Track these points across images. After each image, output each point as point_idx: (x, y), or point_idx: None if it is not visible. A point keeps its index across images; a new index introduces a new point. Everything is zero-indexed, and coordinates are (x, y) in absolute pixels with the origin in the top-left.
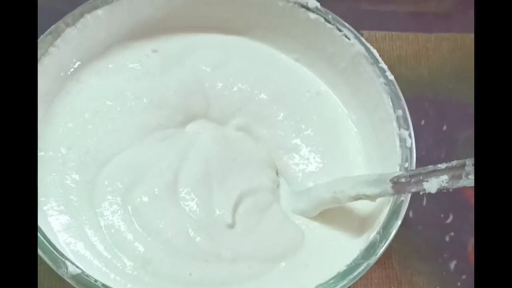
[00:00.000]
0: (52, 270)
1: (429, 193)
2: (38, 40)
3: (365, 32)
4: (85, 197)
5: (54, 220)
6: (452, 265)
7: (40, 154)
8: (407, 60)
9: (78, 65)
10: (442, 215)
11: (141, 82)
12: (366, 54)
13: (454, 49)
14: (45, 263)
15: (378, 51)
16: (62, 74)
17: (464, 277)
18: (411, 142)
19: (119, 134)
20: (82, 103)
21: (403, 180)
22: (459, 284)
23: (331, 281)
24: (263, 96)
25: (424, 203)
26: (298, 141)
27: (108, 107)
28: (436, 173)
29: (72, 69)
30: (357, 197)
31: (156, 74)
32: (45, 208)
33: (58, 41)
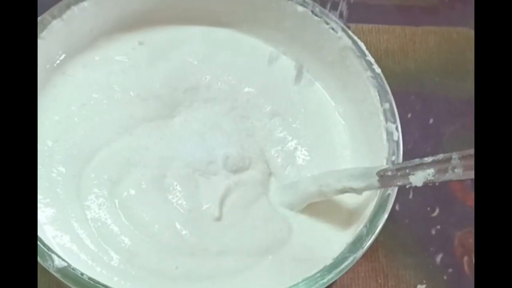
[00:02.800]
0: (38, 263)
1: (415, 187)
2: None
3: (352, 25)
4: (71, 190)
5: (40, 213)
6: (438, 258)
7: None
8: (394, 53)
9: (64, 57)
10: (428, 209)
11: (128, 74)
12: (353, 47)
13: (441, 42)
14: None
15: (365, 44)
16: (48, 66)
17: (450, 270)
18: (398, 135)
19: (106, 127)
20: (69, 96)
21: (389, 173)
22: (445, 277)
23: (318, 275)
24: (250, 89)
25: (411, 196)
26: (285, 134)
27: (95, 99)
28: (422, 166)
29: (58, 61)
30: (344, 191)
31: (142, 67)
32: None
33: (44, 33)
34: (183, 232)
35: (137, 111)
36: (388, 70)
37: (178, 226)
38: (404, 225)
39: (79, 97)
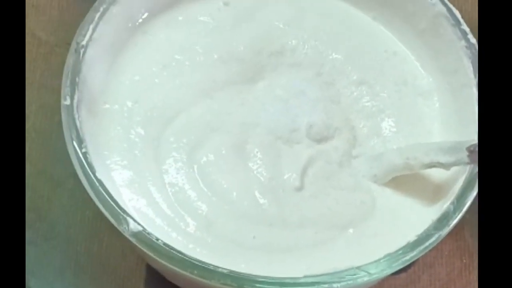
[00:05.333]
0: (113, 226)
1: None
2: None
3: None
4: (149, 153)
5: (117, 175)
6: None
7: (105, 106)
8: None
9: (147, 16)
10: None
11: (211, 36)
12: (448, 15)
13: None
14: (105, 218)
15: (460, 12)
16: (130, 24)
17: None
18: None
19: (187, 90)
20: (150, 56)
21: None
22: None
23: (400, 251)
24: (337, 55)
25: None
26: (372, 103)
27: (176, 61)
28: None
29: (140, 20)
30: (431, 165)
31: (227, 29)
32: (108, 162)
33: None
34: (262, 201)
35: (220, 74)
36: None
37: (257, 195)
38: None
39: (160, 57)
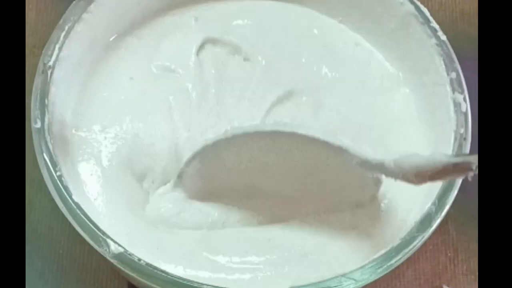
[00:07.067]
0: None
1: None
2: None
3: None
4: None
5: (94, 197)
6: None
7: (74, 132)
8: (471, 15)
9: (116, 36)
10: None
11: None
12: (416, 13)
13: None
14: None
15: (439, 5)
16: (98, 43)
17: None
18: (466, 106)
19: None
20: (119, 82)
21: None
22: None
23: (385, 256)
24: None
25: None
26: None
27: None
28: None
29: (110, 39)
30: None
31: None
32: (83, 184)
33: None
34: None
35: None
36: (463, 34)
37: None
38: (477, 197)
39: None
